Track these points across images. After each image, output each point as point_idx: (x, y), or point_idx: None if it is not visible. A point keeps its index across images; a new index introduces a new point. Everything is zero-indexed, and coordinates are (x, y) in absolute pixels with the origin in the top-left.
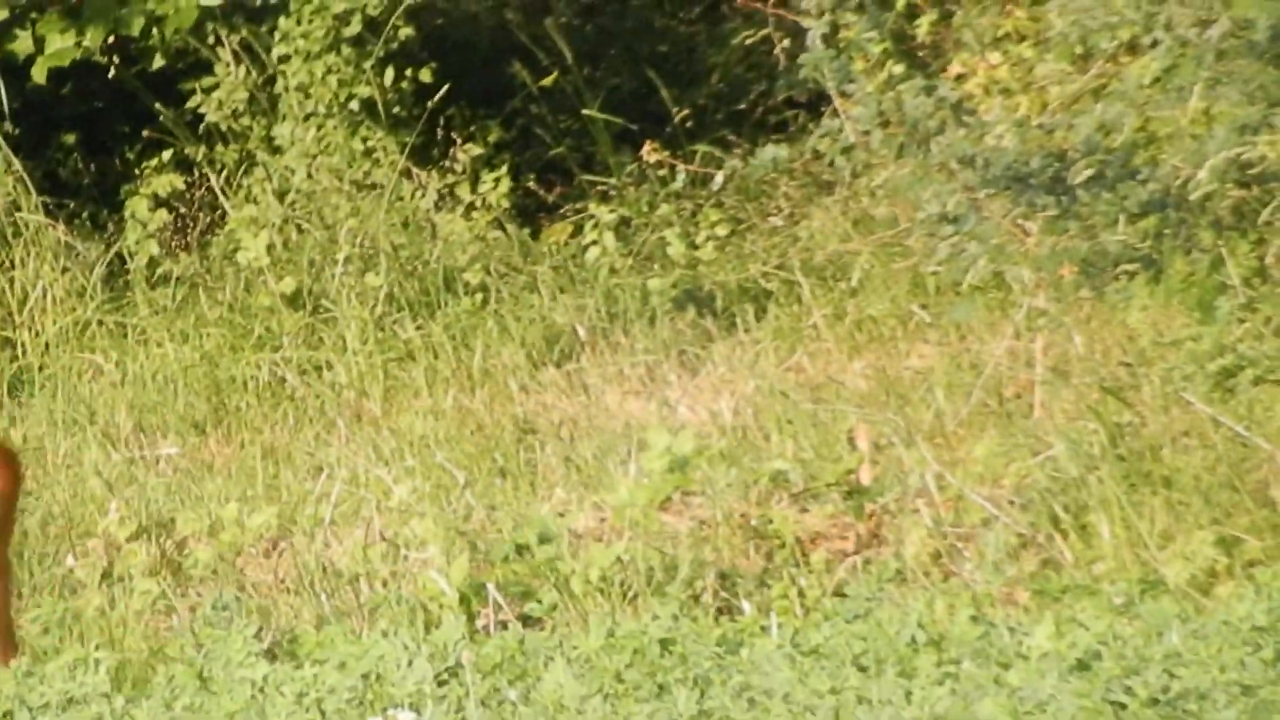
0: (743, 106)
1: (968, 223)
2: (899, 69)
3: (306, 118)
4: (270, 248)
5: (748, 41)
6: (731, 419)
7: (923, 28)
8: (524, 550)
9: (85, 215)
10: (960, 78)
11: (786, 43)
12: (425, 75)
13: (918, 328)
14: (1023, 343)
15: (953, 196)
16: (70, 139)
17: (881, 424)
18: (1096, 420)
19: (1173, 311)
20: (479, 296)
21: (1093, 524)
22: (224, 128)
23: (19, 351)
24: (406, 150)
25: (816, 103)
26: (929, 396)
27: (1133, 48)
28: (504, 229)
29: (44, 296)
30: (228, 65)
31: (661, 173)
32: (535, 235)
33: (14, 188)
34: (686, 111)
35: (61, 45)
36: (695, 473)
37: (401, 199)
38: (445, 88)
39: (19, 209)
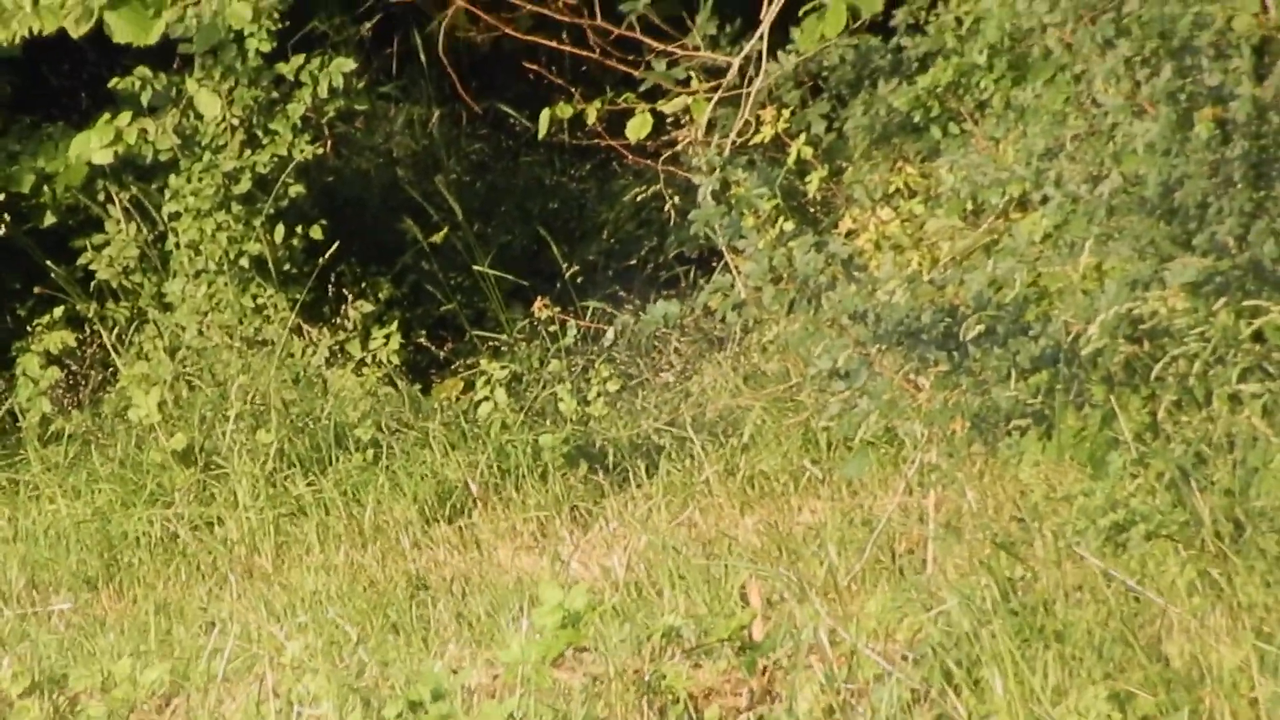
0: (633, 262)
1: (859, 378)
2: (790, 225)
3: (197, 274)
4: (162, 404)
5: (638, 198)
6: (624, 574)
7: (813, 184)
8: (417, 707)
9: None
10: (851, 233)
11: (677, 199)
12: (316, 232)
13: (810, 483)
14: (915, 498)
15: (844, 352)
16: None
17: (774, 579)
18: (989, 575)
19: (1064, 467)
20: (370, 452)
21: (985, 679)
22: (115, 285)
23: None
24: (297, 307)
25: (707, 259)
26: (821, 552)
27: (1023, 203)
28: (395, 385)
29: None
30: (118, 222)
31: (553, 328)
32: (426, 391)
33: None
34: (577, 268)
35: None
36: (588, 629)
37: (292, 355)
38: (336, 244)
39: None
